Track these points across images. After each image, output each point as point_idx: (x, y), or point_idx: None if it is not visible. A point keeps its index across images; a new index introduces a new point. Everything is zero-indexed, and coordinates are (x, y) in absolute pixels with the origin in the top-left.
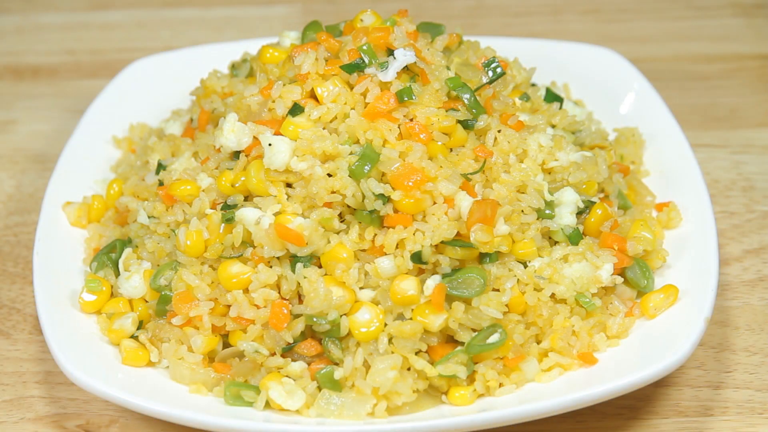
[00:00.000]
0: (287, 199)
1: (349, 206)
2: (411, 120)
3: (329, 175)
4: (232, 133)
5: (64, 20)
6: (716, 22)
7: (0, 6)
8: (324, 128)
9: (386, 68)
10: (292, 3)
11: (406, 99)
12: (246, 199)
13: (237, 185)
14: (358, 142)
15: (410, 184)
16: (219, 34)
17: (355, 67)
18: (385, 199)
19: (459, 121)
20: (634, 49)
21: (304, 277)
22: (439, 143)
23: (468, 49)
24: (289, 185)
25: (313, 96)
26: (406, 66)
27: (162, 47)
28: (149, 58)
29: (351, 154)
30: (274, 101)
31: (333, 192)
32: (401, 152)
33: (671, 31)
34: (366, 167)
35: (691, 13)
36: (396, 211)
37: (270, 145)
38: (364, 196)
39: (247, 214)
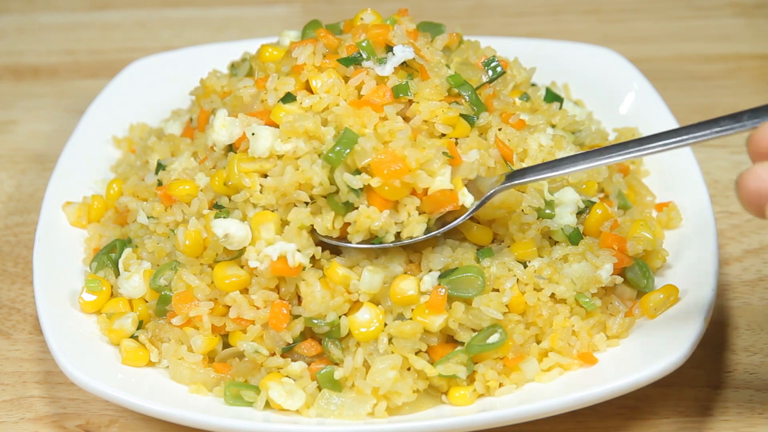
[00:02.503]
0: (260, 191)
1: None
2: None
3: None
4: (223, 128)
5: (64, 20)
6: (716, 22)
7: (0, 6)
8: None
9: (384, 63)
10: (292, 3)
11: (401, 95)
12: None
13: (230, 184)
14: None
15: (389, 172)
16: (219, 34)
17: (352, 61)
18: (359, 192)
19: (461, 115)
20: (634, 49)
21: (302, 280)
22: (448, 138)
23: (468, 49)
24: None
25: (307, 88)
26: (405, 62)
27: (162, 47)
28: (149, 58)
29: (335, 136)
30: (267, 92)
31: (301, 185)
32: (385, 140)
33: (671, 31)
34: (346, 151)
35: (691, 13)
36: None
37: (253, 134)
38: (338, 188)
39: (233, 230)
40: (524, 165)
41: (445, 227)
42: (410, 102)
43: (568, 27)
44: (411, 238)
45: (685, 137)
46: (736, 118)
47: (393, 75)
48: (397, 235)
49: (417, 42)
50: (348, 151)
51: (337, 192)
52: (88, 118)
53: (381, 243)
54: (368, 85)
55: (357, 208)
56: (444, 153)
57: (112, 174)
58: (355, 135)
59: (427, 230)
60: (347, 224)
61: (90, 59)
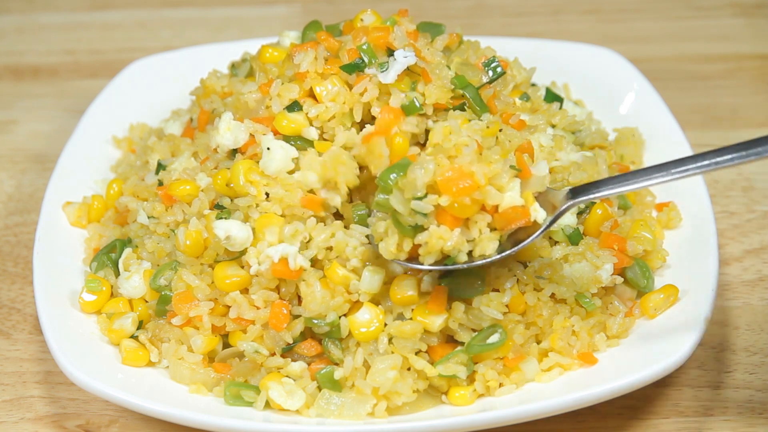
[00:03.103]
0: (266, 198)
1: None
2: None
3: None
4: (228, 132)
5: (64, 20)
6: (716, 22)
7: (0, 6)
8: (321, 126)
9: (386, 69)
10: (292, 3)
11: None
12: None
13: (233, 185)
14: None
15: (458, 189)
16: (219, 34)
17: (355, 67)
18: (424, 216)
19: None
20: (634, 49)
21: (303, 280)
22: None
23: (468, 49)
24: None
25: (311, 95)
26: (407, 67)
27: (162, 47)
28: (149, 58)
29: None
30: (271, 99)
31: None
32: (450, 155)
33: (671, 31)
34: (392, 175)
35: (691, 13)
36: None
37: (268, 149)
38: (397, 212)
39: (234, 232)
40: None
41: (520, 245)
42: (423, 116)
43: (568, 27)
44: (483, 257)
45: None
46: None
47: (396, 82)
48: (469, 254)
49: (417, 43)
50: (396, 175)
51: (400, 214)
52: (88, 118)
53: (454, 264)
54: (371, 92)
55: (426, 229)
56: (512, 167)
57: (112, 174)
58: (407, 161)
59: (501, 247)
60: (416, 246)
61: (90, 59)
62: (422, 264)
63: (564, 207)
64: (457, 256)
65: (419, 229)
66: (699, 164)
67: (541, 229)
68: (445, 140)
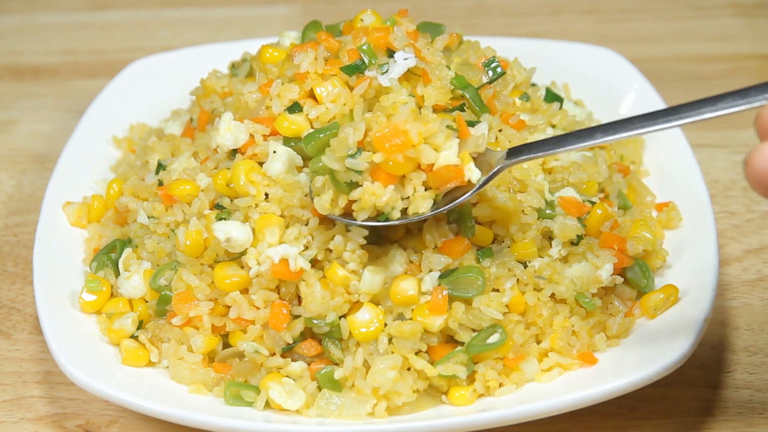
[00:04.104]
0: (266, 198)
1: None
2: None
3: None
4: (229, 132)
5: (64, 20)
6: (716, 22)
7: (0, 6)
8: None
9: (386, 71)
10: (292, 3)
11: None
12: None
13: (233, 185)
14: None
15: (390, 146)
16: (219, 34)
17: (355, 69)
18: (359, 173)
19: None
20: (634, 49)
21: (303, 281)
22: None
23: (468, 49)
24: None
25: (311, 95)
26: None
27: (162, 47)
28: (149, 58)
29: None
30: (271, 99)
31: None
32: (389, 114)
33: (671, 31)
34: (319, 135)
35: (691, 13)
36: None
37: (274, 152)
38: (333, 172)
39: (234, 234)
40: (524, 165)
41: (452, 203)
42: None
43: (568, 27)
44: (417, 214)
45: (690, 112)
46: (742, 94)
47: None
48: (404, 212)
49: (417, 43)
50: (323, 135)
51: (336, 171)
52: (88, 118)
53: (387, 220)
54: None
55: (360, 186)
56: (448, 126)
57: (112, 174)
58: (336, 124)
59: (435, 206)
60: (351, 201)
61: (90, 59)
62: (356, 220)
63: (499, 167)
64: (390, 213)
65: (354, 185)
66: (653, 121)
67: (474, 188)
68: (383, 99)
